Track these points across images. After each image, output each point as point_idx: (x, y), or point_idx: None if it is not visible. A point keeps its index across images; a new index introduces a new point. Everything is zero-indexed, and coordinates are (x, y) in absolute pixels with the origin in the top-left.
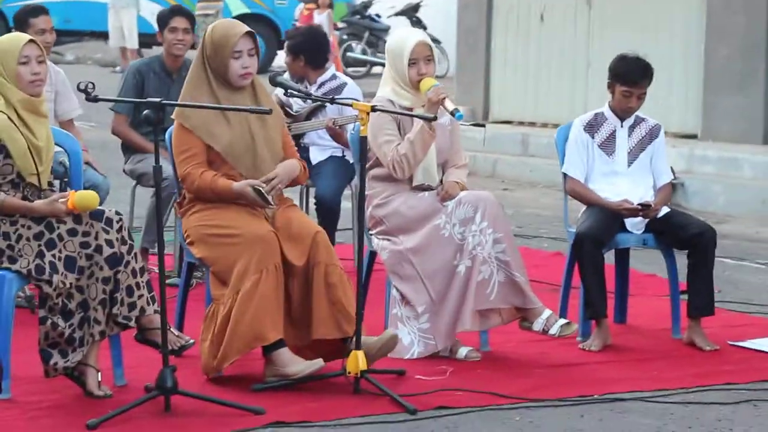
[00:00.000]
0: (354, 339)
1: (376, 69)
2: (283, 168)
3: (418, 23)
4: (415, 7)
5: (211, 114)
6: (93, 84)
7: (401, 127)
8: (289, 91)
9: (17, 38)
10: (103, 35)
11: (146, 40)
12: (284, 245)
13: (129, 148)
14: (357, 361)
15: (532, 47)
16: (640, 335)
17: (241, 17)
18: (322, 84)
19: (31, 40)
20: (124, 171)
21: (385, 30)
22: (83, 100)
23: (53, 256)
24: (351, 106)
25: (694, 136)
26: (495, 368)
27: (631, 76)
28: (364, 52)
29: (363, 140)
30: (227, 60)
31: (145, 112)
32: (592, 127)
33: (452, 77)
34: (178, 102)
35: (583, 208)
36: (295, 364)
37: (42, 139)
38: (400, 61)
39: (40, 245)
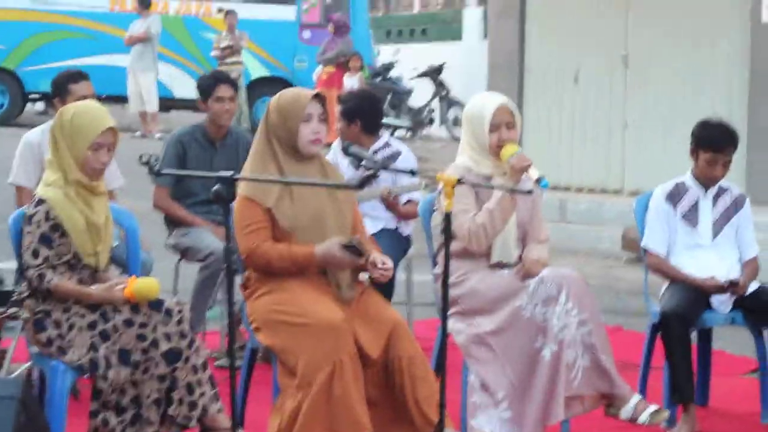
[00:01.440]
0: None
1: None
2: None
3: (441, 85)
4: (438, 69)
5: (278, 187)
6: (157, 157)
7: (478, 198)
8: (363, 162)
9: (97, 121)
10: (122, 99)
11: (164, 104)
12: (359, 334)
13: (173, 222)
14: None
15: (566, 109)
16: (726, 420)
17: (261, 80)
18: (376, 152)
19: (110, 128)
20: (167, 245)
21: (408, 92)
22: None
23: (107, 348)
24: (437, 178)
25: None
26: None
27: (715, 142)
28: (386, 114)
29: (447, 217)
30: (296, 125)
31: (215, 188)
32: (673, 197)
33: None
34: (247, 176)
35: (665, 284)
36: None
37: (101, 217)
38: (479, 127)
39: (93, 336)
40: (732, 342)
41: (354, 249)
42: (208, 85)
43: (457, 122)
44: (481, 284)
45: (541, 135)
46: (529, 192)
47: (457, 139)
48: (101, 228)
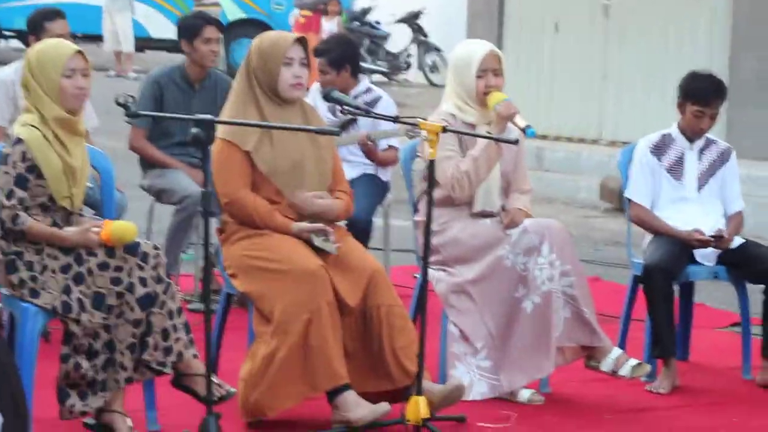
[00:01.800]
0: (416, 384)
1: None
2: (328, 207)
3: (419, 31)
4: (416, 15)
5: (258, 131)
6: (133, 97)
7: (462, 144)
8: (345, 108)
9: (62, 48)
10: (97, 38)
11: (139, 44)
12: (337, 281)
13: (148, 163)
14: (418, 409)
15: (546, 58)
16: (707, 375)
17: (238, 22)
18: (356, 97)
19: (78, 51)
20: (141, 186)
21: (385, 37)
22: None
23: (81, 292)
24: (418, 125)
25: None
26: (561, 413)
27: (703, 94)
28: (364, 59)
29: (431, 165)
30: (277, 68)
31: (193, 130)
32: (659, 149)
33: None
34: (225, 119)
35: (648, 236)
36: (359, 409)
37: (78, 159)
38: (466, 72)
39: (66, 279)
40: (711, 296)
41: (322, 251)
42: (195, 25)
43: (434, 68)
44: (462, 233)
45: (520, 83)
46: (516, 141)
47: (434, 85)
48: (77, 171)
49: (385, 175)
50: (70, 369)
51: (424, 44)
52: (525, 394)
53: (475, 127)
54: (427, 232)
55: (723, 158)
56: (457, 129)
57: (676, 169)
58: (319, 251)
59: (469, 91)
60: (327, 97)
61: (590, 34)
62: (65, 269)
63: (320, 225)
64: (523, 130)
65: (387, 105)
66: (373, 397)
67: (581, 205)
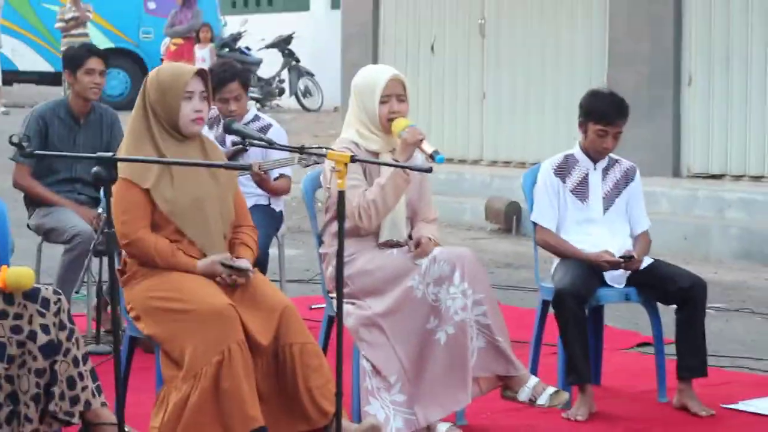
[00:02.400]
0: (334, 424)
1: None
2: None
3: (290, 56)
4: (287, 39)
5: (158, 169)
6: (28, 136)
7: (367, 173)
8: (247, 141)
9: None
10: None
11: (7, 77)
12: (247, 320)
13: (33, 202)
14: None
15: (422, 80)
16: (622, 399)
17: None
18: (246, 125)
19: None
20: (28, 226)
21: (257, 63)
22: None
23: None
24: (326, 156)
25: None
26: None
27: (606, 113)
28: None
29: (341, 196)
30: (177, 103)
31: (95, 169)
32: (562, 171)
33: (327, 112)
34: (124, 157)
35: (556, 260)
36: None
37: None
38: (369, 98)
39: None
40: (613, 315)
41: (234, 269)
42: (78, 56)
43: (307, 92)
44: (370, 264)
45: None
46: (430, 170)
47: (307, 110)
48: None
49: (277, 204)
50: None
51: (295, 69)
52: (442, 429)
53: (379, 155)
54: (340, 267)
55: (627, 177)
56: (363, 158)
57: (580, 191)
58: (234, 288)
59: (373, 118)
60: (228, 129)
61: (467, 54)
62: None
63: (227, 254)
64: (431, 156)
65: (278, 132)
66: None
67: (467, 226)
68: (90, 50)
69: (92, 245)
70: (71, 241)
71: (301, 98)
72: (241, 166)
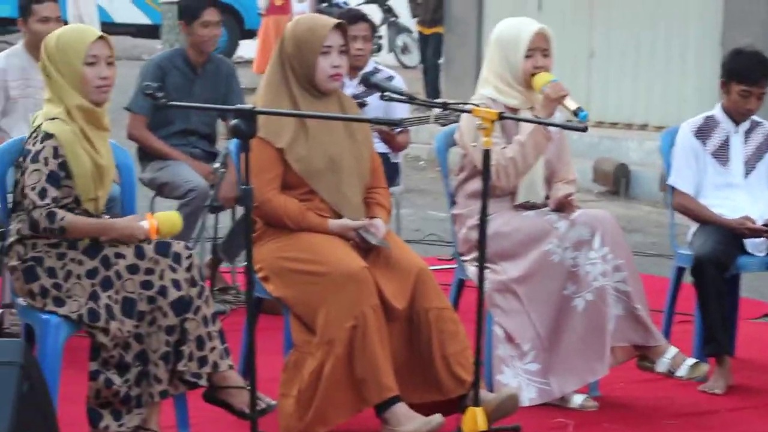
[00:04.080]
0: (472, 394)
1: None
2: (381, 224)
3: (389, 12)
4: None
5: (293, 126)
6: (160, 86)
7: (505, 131)
8: (387, 95)
9: (84, 33)
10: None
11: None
12: (382, 283)
13: (147, 155)
14: (475, 421)
15: None
16: (758, 372)
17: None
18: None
19: (101, 37)
20: (141, 180)
21: None
22: None
23: (109, 297)
24: (470, 112)
25: None
26: (619, 420)
27: (749, 73)
28: None
29: (487, 155)
30: (315, 58)
31: (234, 122)
32: (702, 133)
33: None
34: (264, 109)
35: (693, 226)
36: (410, 423)
37: (105, 158)
38: (513, 51)
39: (93, 285)
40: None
41: (367, 242)
42: (194, 8)
43: (405, 49)
44: (505, 226)
45: None
46: (585, 129)
47: (406, 67)
48: (105, 170)
49: (396, 157)
50: (100, 386)
51: (394, 25)
52: (577, 400)
53: (518, 111)
54: (483, 227)
55: None
56: (510, 115)
57: (721, 154)
58: (369, 250)
59: (515, 73)
60: (366, 82)
61: (575, 11)
62: (91, 274)
63: (365, 221)
64: (575, 113)
65: (400, 84)
66: (420, 409)
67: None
68: (206, 1)
69: (208, 201)
70: (186, 195)
71: (399, 55)
72: (391, 121)
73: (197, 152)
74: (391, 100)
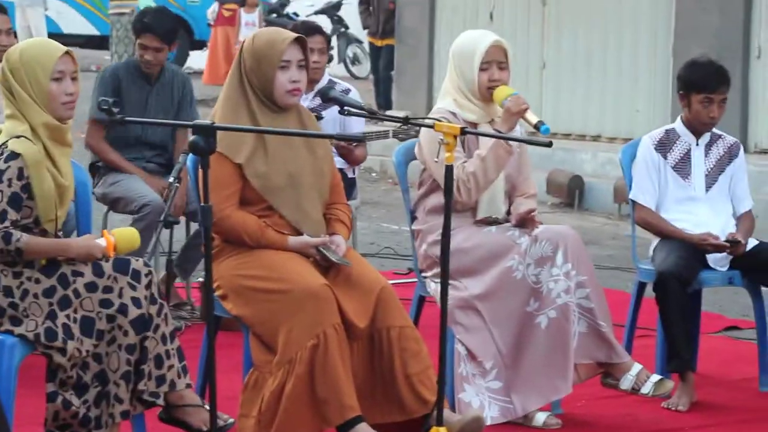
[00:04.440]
0: (435, 413)
1: None
2: (341, 240)
3: (339, 22)
4: (337, 5)
5: (252, 142)
6: (116, 101)
7: (465, 146)
8: (346, 109)
9: (50, 48)
10: None
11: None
12: (343, 301)
13: (100, 168)
14: None
15: None
16: (722, 388)
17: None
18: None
19: (66, 52)
20: (94, 195)
21: None
22: None
23: (67, 317)
24: (432, 127)
25: None
26: None
27: (708, 82)
28: None
29: (450, 171)
30: (273, 72)
31: (192, 138)
32: (663, 146)
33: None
34: (223, 125)
35: (655, 240)
36: None
37: (67, 177)
38: (468, 65)
39: (51, 304)
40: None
41: (327, 259)
42: (135, 29)
43: (356, 60)
44: (467, 242)
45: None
46: (550, 144)
47: (356, 77)
48: (66, 190)
49: (351, 172)
50: (58, 408)
51: (344, 36)
52: (540, 418)
53: (477, 125)
54: (446, 245)
55: (731, 154)
56: (473, 130)
57: (682, 168)
58: (329, 267)
59: (471, 86)
60: (325, 97)
61: (527, 22)
62: (48, 293)
63: (325, 238)
64: (536, 127)
65: (356, 98)
66: (382, 429)
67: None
68: (144, 25)
69: (163, 216)
70: (141, 210)
71: (350, 66)
72: (354, 137)
73: (151, 166)
74: (351, 114)
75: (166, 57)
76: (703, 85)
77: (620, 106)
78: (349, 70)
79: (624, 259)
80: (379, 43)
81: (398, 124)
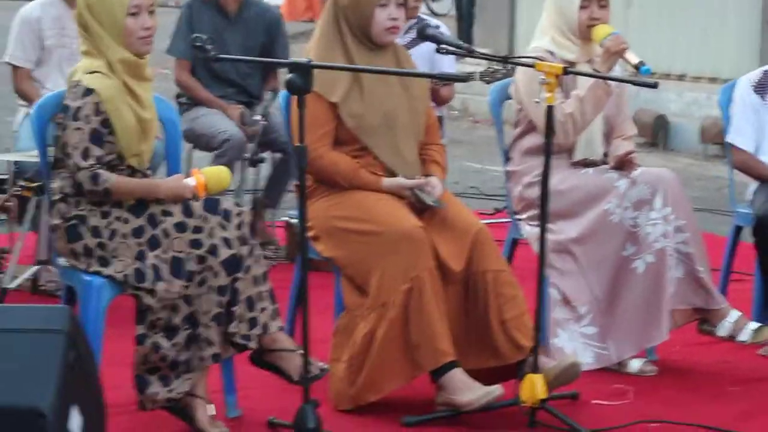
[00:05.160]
0: (531, 360)
1: None
2: (437, 182)
3: None
4: None
5: (347, 80)
6: (211, 38)
7: (562, 85)
8: (444, 48)
9: None
10: None
11: None
12: (438, 244)
13: (183, 103)
14: (534, 389)
15: None
16: None
17: None
18: (410, 29)
19: None
20: None
21: None
22: None
23: (156, 257)
24: (533, 66)
25: None
26: (679, 386)
27: None
28: None
29: (550, 111)
30: (371, 9)
31: (288, 76)
32: (762, 88)
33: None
34: (320, 63)
35: (753, 184)
36: (468, 391)
37: (149, 111)
38: (568, 2)
39: (140, 244)
40: None
41: (422, 202)
42: None
43: None
44: (563, 184)
45: (537, 9)
46: (655, 85)
47: (436, 14)
48: (148, 123)
49: (438, 111)
50: (148, 351)
51: None
52: (635, 365)
53: (575, 64)
54: (545, 187)
55: None
56: (576, 70)
57: None
58: (424, 209)
59: (571, 24)
60: (422, 35)
61: None
62: (137, 233)
63: (421, 180)
64: (636, 68)
65: (448, 35)
66: (476, 374)
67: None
68: None
69: (248, 154)
70: (221, 146)
71: (430, 2)
72: (458, 77)
73: (233, 101)
74: (449, 53)
75: None
76: None
77: (707, 45)
78: (428, 7)
79: (712, 201)
80: None
81: (495, 63)
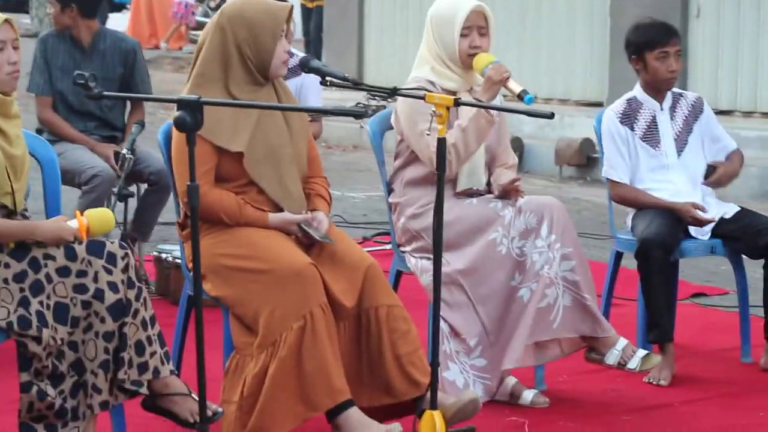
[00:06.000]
0: (429, 397)
1: None
2: (323, 217)
3: None
4: None
5: (227, 116)
6: (94, 75)
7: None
8: (328, 79)
9: None
10: None
11: None
12: (329, 280)
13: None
14: (434, 425)
15: (412, 8)
16: (701, 359)
17: None
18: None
19: (5, 20)
20: None
21: None
22: None
23: (40, 303)
24: (423, 98)
25: (599, 104)
26: (574, 416)
27: (659, 35)
28: (206, 15)
29: (441, 144)
30: (274, 42)
31: (177, 114)
32: (628, 117)
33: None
34: (211, 100)
35: (631, 211)
36: (365, 429)
37: (19, 147)
38: (448, 31)
39: (23, 289)
40: None
41: (310, 237)
42: None
43: None
44: (448, 215)
45: (384, 36)
46: (551, 115)
47: None
48: (18, 161)
49: None
50: (33, 399)
51: None
52: (527, 396)
53: (456, 94)
54: (439, 220)
55: (696, 110)
56: (467, 101)
57: (651, 136)
58: (311, 245)
59: (451, 53)
60: (306, 67)
61: None
62: (19, 278)
63: (307, 215)
64: (520, 96)
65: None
66: (369, 413)
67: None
68: None
69: (118, 189)
70: (90, 182)
71: None
72: (353, 112)
73: (96, 136)
74: (333, 85)
75: (97, 24)
76: (655, 40)
77: (555, 67)
78: None
79: (577, 225)
80: (310, 5)
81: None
